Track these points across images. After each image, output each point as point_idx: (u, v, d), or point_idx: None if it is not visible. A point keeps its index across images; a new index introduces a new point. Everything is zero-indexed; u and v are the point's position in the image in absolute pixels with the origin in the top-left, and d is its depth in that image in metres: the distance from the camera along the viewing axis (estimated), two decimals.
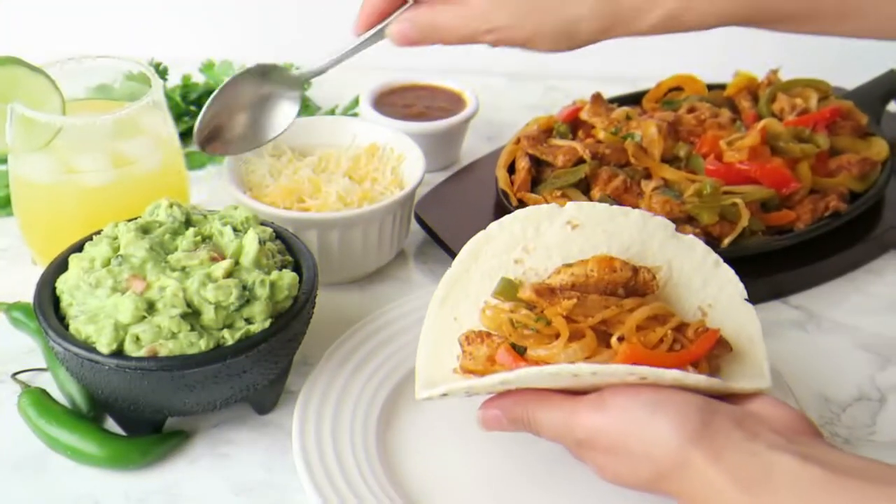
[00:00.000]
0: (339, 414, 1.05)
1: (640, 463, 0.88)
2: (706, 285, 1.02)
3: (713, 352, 0.97)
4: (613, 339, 0.94)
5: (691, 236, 1.03)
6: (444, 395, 0.96)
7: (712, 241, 1.24)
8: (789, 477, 0.82)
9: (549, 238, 1.02)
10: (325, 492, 0.97)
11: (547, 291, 0.98)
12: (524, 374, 0.91)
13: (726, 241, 1.23)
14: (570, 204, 1.03)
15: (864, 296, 1.27)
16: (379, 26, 1.13)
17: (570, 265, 1.00)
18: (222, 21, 1.79)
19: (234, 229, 1.05)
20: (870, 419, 1.11)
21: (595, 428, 0.89)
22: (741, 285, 1.02)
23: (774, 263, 1.26)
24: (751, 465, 0.83)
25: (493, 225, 1.02)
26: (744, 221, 1.23)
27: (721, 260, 1.03)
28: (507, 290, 0.99)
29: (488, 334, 0.98)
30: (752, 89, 1.44)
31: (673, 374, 0.89)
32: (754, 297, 1.24)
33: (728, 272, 1.02)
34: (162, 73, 1.54)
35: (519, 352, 0.95)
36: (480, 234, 1.02)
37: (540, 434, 0.94)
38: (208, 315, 0.99)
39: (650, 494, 0.90)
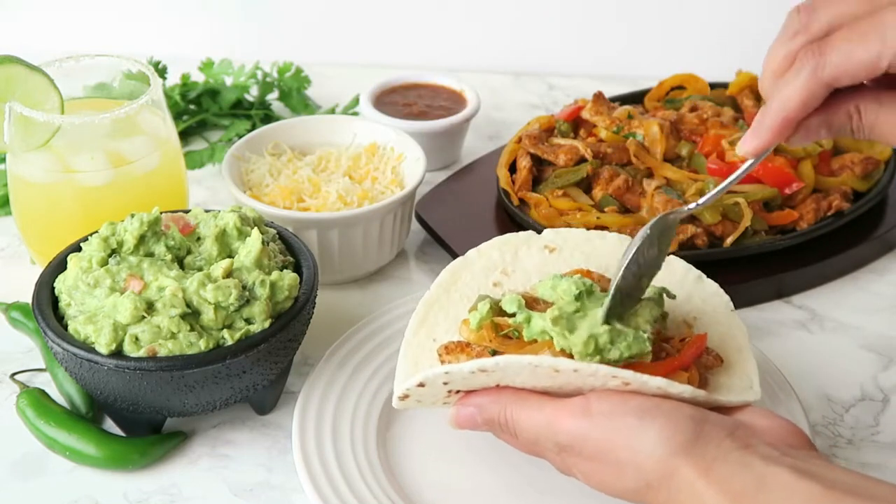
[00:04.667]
0: (339, 414, 1.05)
1: (626, 471, 0.85)
2: (690, 300, 1.01)
3: (703, 362, 0.95)
4: None
5: (671, 256, 1.03)
6: (421, 384, 0.92)
7: (715, 240, 1.24)
8: (783, 492, 0.79)
9: (528, 262, 1.03)
10: (324, 492, 0.96)
11: (531, 300, 0.97)
12: (504, 362, 0.88)
13: (729, 241, 1.23)
14: (547, 230, 1.04)
15: (868, 295, 1.27)
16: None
17: None
18: (222, 20, 1.78)
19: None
20: (873, 419, 1.10)
21: (580, 433, 0.86)
22: (727, 297, 1.01)
23: (777, 263, 1.25)
24: (742, 477, 0.80)
25: (472, 251, 1.04)
26: (746, 221, 1.22)
27: (704, 275, 1.02)
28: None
29: (467, 344, 0.96)
30: (754, 88, 1.43)
31: (657, 381, 0.87)
32: (757, 297, 1.25)
33: (712, 285, 1.01)
34: (161, 71, 1.54)
35: None
36: (458, 259, 1.03)
37: (517, 435, 0.91)
38: (208, 315, 0.98)
39: None
